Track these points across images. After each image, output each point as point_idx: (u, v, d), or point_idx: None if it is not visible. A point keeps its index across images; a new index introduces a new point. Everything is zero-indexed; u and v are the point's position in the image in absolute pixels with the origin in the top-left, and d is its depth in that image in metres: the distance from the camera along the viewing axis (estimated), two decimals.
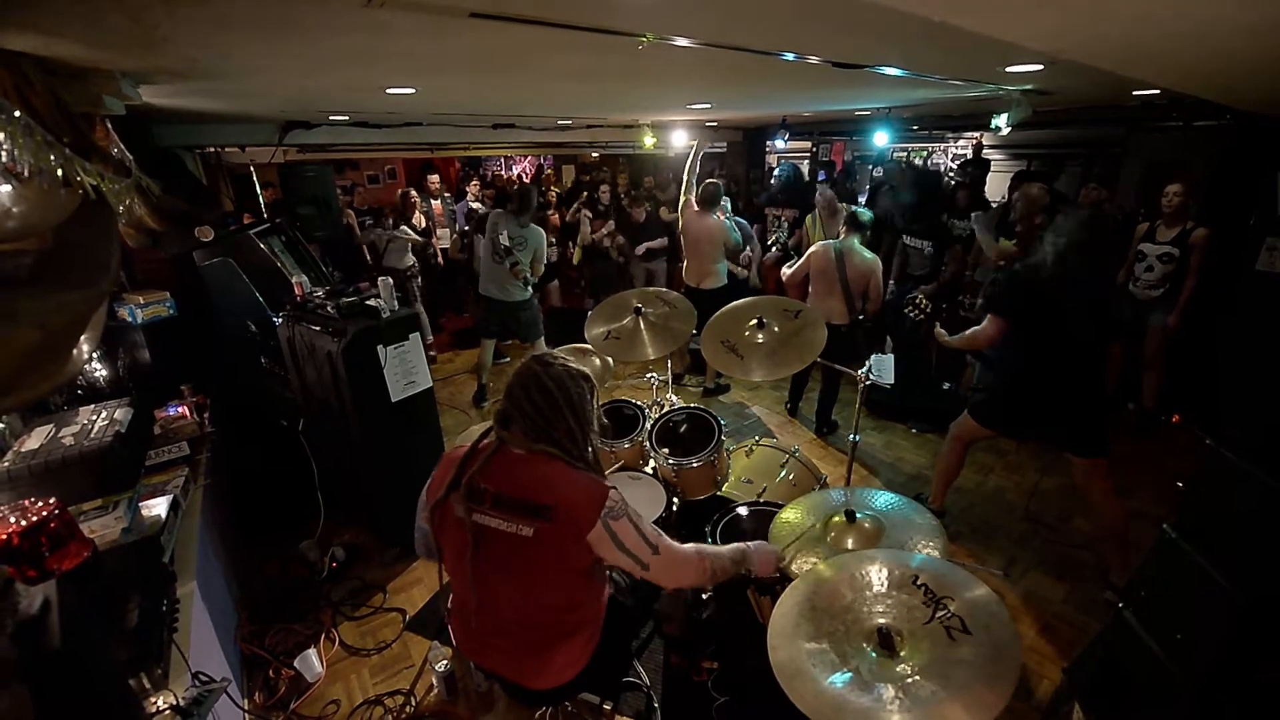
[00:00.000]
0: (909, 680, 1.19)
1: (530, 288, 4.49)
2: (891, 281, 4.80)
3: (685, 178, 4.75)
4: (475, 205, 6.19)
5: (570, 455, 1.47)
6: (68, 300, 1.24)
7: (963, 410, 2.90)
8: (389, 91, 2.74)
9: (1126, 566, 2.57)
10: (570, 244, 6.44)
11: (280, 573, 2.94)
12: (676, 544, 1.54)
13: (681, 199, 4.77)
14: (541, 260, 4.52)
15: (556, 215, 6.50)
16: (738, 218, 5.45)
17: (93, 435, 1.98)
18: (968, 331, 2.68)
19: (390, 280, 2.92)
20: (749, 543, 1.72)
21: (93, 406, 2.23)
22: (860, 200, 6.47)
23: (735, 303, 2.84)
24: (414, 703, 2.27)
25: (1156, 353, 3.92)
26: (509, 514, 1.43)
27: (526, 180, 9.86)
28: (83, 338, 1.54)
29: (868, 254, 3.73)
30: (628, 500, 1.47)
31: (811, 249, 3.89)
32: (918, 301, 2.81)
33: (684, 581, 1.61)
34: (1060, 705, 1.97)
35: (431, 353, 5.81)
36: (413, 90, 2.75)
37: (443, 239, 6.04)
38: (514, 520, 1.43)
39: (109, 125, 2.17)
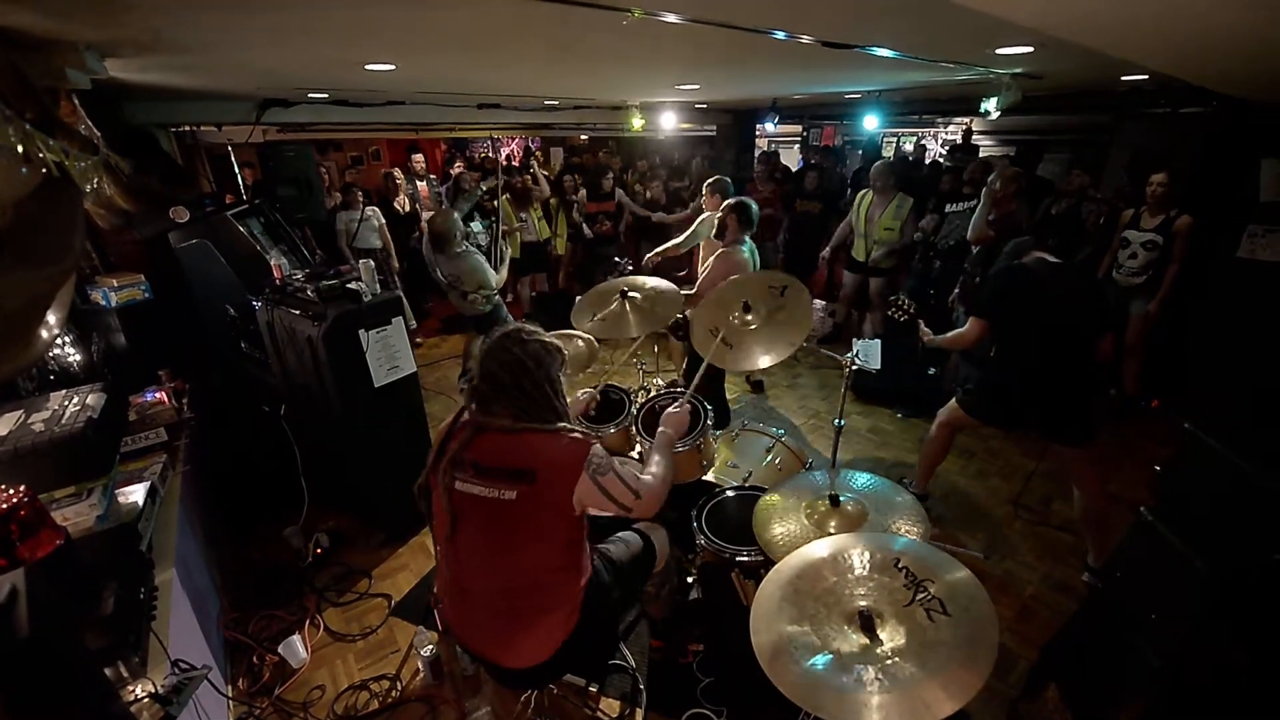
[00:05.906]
0: (888, 661, 1.20)
1: (490, 303, 4.02)
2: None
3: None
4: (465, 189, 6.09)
5: (552, 421, 1.52)
6: (26, 280, 1.19)
7: (948, 396, 2.92)
8: (368, 68, 2.66)
9: (1105, 550, 2.62)
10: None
11: (264, 559, 2.91)
12: (650, 479, 1.58)
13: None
14: (489, 284, 3.90)
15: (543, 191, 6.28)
16: None
17: (64, 421, 1.93)
18: (951, 333, 2.71)
19: (372, 263, 2.86)
20: (660, 430, 1.87)
21: (64, 392, 2.16)
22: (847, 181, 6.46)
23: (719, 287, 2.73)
24: (399, 688, 2.27)
25: (1137, 339, 3.97)
26: (491, 480, 1.46)
27: (514, 163, 9.69)
28: (49, 319, 1.49)
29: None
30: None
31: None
32: (900, 303, 2.75)
33: (660, 504, 1.63)
34: (1037, 684, 2.01)
35: (418, 339, 5.74)
36: (392, 67, 2.68)
37: None
38: (496, 485, 1.45)
39: (75, 101, 2.09)
